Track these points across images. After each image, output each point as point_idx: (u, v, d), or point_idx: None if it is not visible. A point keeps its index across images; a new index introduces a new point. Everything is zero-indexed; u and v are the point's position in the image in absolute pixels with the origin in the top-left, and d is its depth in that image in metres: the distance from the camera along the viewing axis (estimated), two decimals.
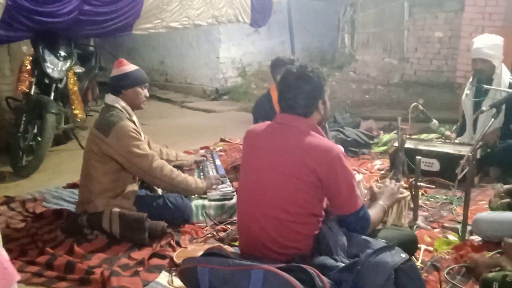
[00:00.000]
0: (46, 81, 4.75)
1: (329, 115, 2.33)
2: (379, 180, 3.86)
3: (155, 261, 2.66)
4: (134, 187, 3.10)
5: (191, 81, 9.47)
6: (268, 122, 2.26)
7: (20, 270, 2.60)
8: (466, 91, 4.22)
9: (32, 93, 4.59)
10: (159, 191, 3.26)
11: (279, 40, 9.25)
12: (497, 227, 2.72)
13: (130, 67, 3.10)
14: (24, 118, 4.52)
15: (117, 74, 3.07)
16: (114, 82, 3.08)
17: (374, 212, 2.29)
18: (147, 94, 3.18)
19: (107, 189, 3.00)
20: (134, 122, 3.09)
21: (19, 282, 2.47)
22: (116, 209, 2.92)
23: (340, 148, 2.13)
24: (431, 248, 2.76)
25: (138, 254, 2.73)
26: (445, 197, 3.57)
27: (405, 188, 2.92)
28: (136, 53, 9.89)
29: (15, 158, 4.42)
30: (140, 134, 3.07)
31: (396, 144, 3.85)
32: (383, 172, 4.22)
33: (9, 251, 2.77)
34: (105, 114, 3.05)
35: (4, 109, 5.13)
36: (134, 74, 3.08)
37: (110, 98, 3.08)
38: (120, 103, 3.06)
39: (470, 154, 2.87)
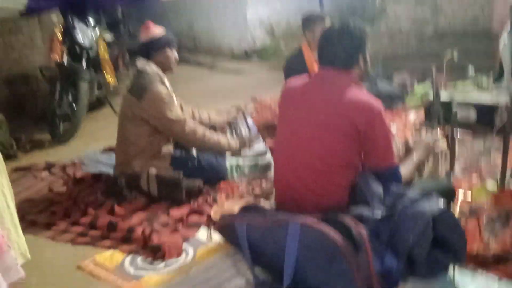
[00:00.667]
0: (77, 49, 4.80)
1: (368, 71, 2.31)
2: (414, 132, 3.80)
3: (194, 218, 2.73)
4: (169, 147, 3.15)
5: (219, 43, 9.40)
6: (306, 76, 2.26)
7: (65, 231, 2.72)
8: (504, 41, 4.05)
9: (64, 62, 4.66)
10: (194, 151, 3.30)
11: None
12: None
13: (157, 29, 3.10)
14: (58, 87, 4.61)
15: (146, 38, 3.08)
16: (143, 46, 3.10)
17: (406, 169, 2.29)
18: (177, 56, 3.19)
19: (143, 151, 3.06)
20: (166, 86, 3.11)
21: (66, 241, 2.61)
22: (153, 170, 2.98)
23: (381, 104, 2.13)
24: (469, 197, 2.72)
25: (177, 212, 2.79)
26: (482, 146, 3.49)
27: (441, 139, 2.87)
28: (163, 19, 9.78)
29: (53, 126, 4.54)
30: (172, 97, 3.10)
31: (430, 95, 3.76)
32: (418, 124, 4.14)
33: (53, 213, 2.91)
34: (138, 78, 3.07)
35: (39, 78, 5.23)
36: (162, 37, 3.08)
37: (141, 63, 3.10)
38: (152, 67, 3.08)
39: (508, 102, 2.78)
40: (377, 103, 2.10)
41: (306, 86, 2.22)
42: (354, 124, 2.04)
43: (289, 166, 2.22)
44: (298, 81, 2.29)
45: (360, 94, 2.11)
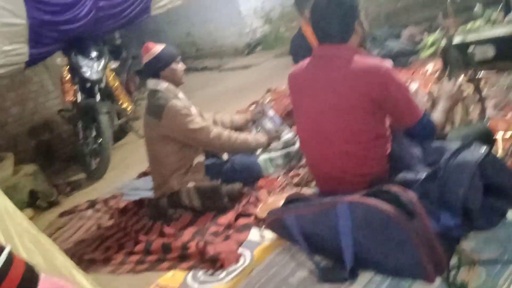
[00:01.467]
0: (88, 84, 4.88)
1: (366, 33, 2.26)
2: (436, 83, 3.74)
3: (242, 221, 2.75)
4: (200, 158, 3.17)
5: (221, 43, 9.40)
6: (307, 60, 2.22)
7: (123, 263, 2.78)
8: None
9: (79, 100, 4.74)
10: (225, 155, 3.32)
11: None
12: None
13: (157, 48, 3.11)
14: (80, 126, 4.70)
15: (149, 59, 3.09)
16: (148, 67, 3.12)
17: (436, 117, 2.22)
18: (184, 67, 3.20)
19: (176, 168, 3.09)
20: (180, 99, 3.13)
21: (127, 272, 2.67)
22: (191, 184, 3.02)
23: (387, 63, 2.06)
24: (509, 134, 2.67)
25: (224, 219, 2.82)
26: (509, 80, 3.41)
27: (465, 83, 2.82)
28: (161, 33, 9.89)
29: (85, 164, 4.63)
30: (190, 109, 3.12)
31: (443, 42, 3.69)
32: (438, 74, 4.07)
33: (107, 248, 2.98)
34: (152, 99, 3.10)
35: (60, 122, 5.34)
36: (164, 53, 3.09)
37: (151, 83, 3.13)
38: (162, 85, 3.10)
39: None
40: (382, 64, 2.02)
41: (309, 70, 2.18)
42: (368, 94, 1.98)
43: (319, 154, 2.20)
44: (301, 67, 2.24)
45: (363, 61, 2.02)
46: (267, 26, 8.92)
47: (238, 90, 6.35)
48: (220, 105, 5.50)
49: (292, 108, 2.47)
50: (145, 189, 3.74)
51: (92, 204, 3.85)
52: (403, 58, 4.71)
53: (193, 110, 3.19)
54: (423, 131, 2.12)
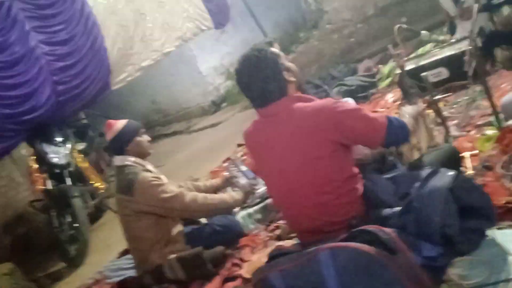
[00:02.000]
0: (57, 170, 4.81)
1: (301, 76, 2.24)
2: (398, 110, 3.79)
3: (229, 285, 2.68)
4: (178, 228, 3.10)
5: (187, 105, 9.47)
6: (257, 120, 2.19)
7: None
8: None
9: (49, 187, 4.65)
10: (203, 220, 3.26)
11: (248, 29, 9.14)
12: None
13: (119, 124, 3.09)
14: (54, 213, 4.59)
15: (112, 136, 3.07)
16: (113, 144, 3.09)
17: (404, 119, 2.18)
18: (149, 138, 3.19)
19: (155, 242, 3.00)
20: (150, 171, 3.09)
21: None
22: (173, 256, 2.93)
23: (331, 99, 2.05)
24: (475, 152, 2.70)
25: (211, 287, 2.73)
26: (466, 98, 3.48)
27: (426, 107, 2.86)
28: (126, 104, 9.93)
29: (63, 252, 4.50)
30: (160, 178, 3.08)
31: (398, 71, 3.78)
32: (398, 102, 4.14)
33: None
34: (121, 175, 3.05)
35: (33, 212, 5.21)
36: (126, 129, 3.07)
37: (118, 160, 3.09)
38: (129, 159, 3.06)
39: (470, 47, 2.79)
40: (326, 100, 2.00)
41: (260, 131, 2.13)
42: (325, 138, 1.95)
43: (293, 210, 2.15)
44: (252, 127, 2.20)
45: (306, 108, 1.98)
46: (229, 82, 9.06)
47: (209, 149, 6.35)
48: (193, 168, 5.47)
49: None
50: (128, 268, 3.61)
51: None
52: (363, 93, 4.80)
53: (164, 179, 3.15)
54: (396, 135, 2.05)
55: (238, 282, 2.65)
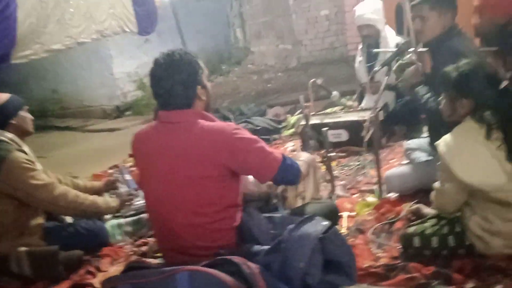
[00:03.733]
0: None
1: (213, 101, 2.20)
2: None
3: None
4: (38, 220, 2.84)
5: (89, 103, 9.03)
6: (154, 123, 2.10)
7: None
8: (359, 58, 4.37)
9: None
10: (68, 218, 3.03)
11: (172, 46, 8.94)
12: (404, 180, 2.82)
13: (3, 96, 2.85)
14: None
15: None
16: None
17: (298, 162, 2.19)
18: (31, 117, 2.96)
19: (8, 230, 2.73)
20: (25, 152, 2.84)
21: None
22: (23, 248, 2.67)
23: (233, 124, 2.04)
24: (353, 214, 2.79)
25: None
26: (357, 163, 3.64)
27: (319, 162, 2.94)
28: (24, 87, 9.23)
29: None
30: (34, 163, 2.83)
31: (302, 122, 3.87)
32: (296, 152, 4.24)
33: None
34: None
35: None
36: (10, 101, 2.84)
37: None
38: (6, 135, 2.80)
39: (372, 115, 2.93)
40: (227, 124, 1.98)
41: (154, 136, 2.04)
42: (218, 161, 1.90)
43: (164, 224, 2.06)
44: (146, 129, 2.11)
45: (207, 126, 1.94)
46: (140, 92, 8.83)
47: (99, 153, 6.06)
48: (77, 167, 5.16)
49: None
50: None
51: None
52: (266, 135, 4.86)
53: (38, 166, 2.91)
54: (288, 174, 2.06)
55: None
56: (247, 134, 1.99)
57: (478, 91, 2.04)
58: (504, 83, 2.02)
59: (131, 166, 4.72)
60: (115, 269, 2.59)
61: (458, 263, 2.08)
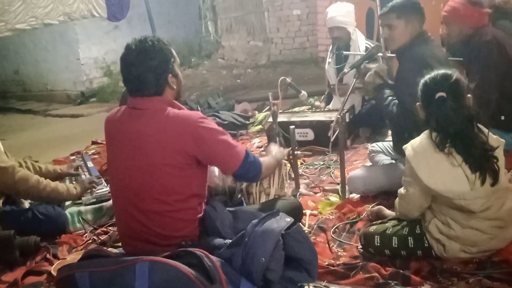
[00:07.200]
0: None
1: (183, 90, 2.18)
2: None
3: (31, 279, 2.41)
4: None
5: (52, 87, 8.82)
6: (124, 108, 2.08)
7: None
8: (328, 59, 4.42)
9: None
10: (26, 203, 2.95)
11: (142, 34, 8.93)
12: (367, 181, 2.87)
13: None
14: None
15: None
16: None
17: (264, 159, 2.23)
18: None
19: None
20: None
21: None
22: None
23: (199, 113, 2.02)
24: (316, 212, 2.82)
25: (10, 276, 2.45)
26: (322, 163, 3.68)
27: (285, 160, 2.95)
28: None
29: None
30: None
31: (270, 119, 3.89)
32: (262, 149, 4.26)
33: None
34: None
35: None
36: None
37: None
38: None
39: (339, 116, 2.95)
40: (193, 113, 1.97)
41: (123, 120, 2.02)
42: (182, 149, 1.90)
43: (127, 212, 2.03)
44: (116, 113, 2.08)
45: (174, 114, 1.93)
46: (106, 79, 8.67)
47: (61, 138, 5.94)
48: (37, 151, 5.04)
49: None
50: None
51: None
52: (233, 130, 4.86)
53: (0, 147, 2.83)
54: (250, 170, 2.06)
55: (42, 278, 2.40)
56: (213, 125, 1.99)
57: (425, 102, 2.07)
58: (440, 94, 2.01)
59: (94, 154, 4.65)
60: (72, 257, 2.53)
61: (415, 265, 2.13)
